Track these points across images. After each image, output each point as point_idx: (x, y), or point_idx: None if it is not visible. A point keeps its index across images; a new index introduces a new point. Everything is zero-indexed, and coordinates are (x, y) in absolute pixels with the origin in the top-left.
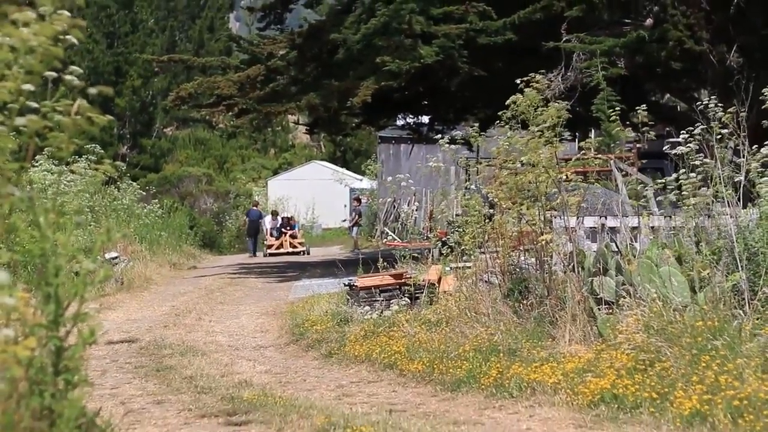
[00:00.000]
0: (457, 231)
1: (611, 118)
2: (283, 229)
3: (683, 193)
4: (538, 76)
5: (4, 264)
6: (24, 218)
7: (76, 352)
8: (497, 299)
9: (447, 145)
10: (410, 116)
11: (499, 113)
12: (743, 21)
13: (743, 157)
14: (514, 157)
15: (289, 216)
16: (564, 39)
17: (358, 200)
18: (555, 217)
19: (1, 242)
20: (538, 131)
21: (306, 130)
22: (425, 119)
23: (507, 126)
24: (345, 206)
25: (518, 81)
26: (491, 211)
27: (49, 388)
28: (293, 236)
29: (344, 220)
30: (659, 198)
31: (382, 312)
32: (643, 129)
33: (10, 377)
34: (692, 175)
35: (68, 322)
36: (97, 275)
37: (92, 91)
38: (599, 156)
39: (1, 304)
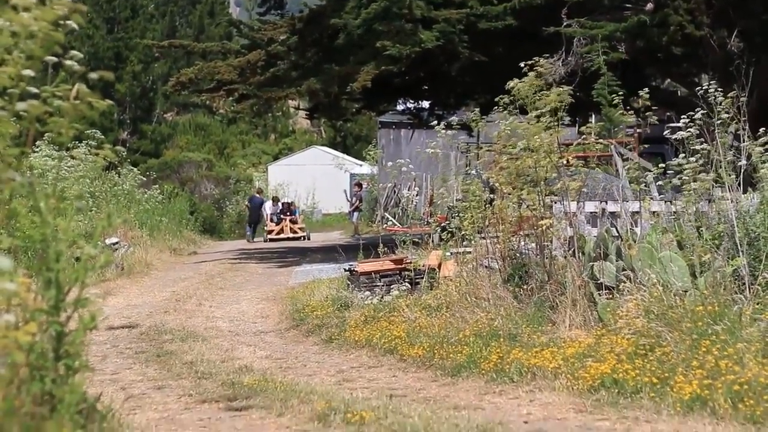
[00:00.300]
0: (457, 216)
1: (613, 102)
2: (282, 215)
3: (684, 177)
4: (542, 60)
5: (5, 249)
6: (24, 203)
7: (76, 337)
8: (497, 284)
9: (443, 131)
10: (410, 101)
11: (496, 99)
12: (744, 5)
13: (743, 141)
14: (513, 142)
15: (289, 201)
16: (564, 24)
17: (359, 185)
18: (555, 202)
19: (1, 228)
20: (537, 115)
21: (306, 115)
22: (425, 104)
23: (506, 111)
24: (345, 191)
25: (522, 64)
26: (491, 196)
27: (50, 374)
28: (293, 221)
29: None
30: (659, 183)
31: (382, 297)
32: (646, 113)
33: (11, 362)
34: (692, 159)
35: (69, 307)
36: (97, 260)
37: (93, 75)
38: (600, 141)
39: (2, 290)
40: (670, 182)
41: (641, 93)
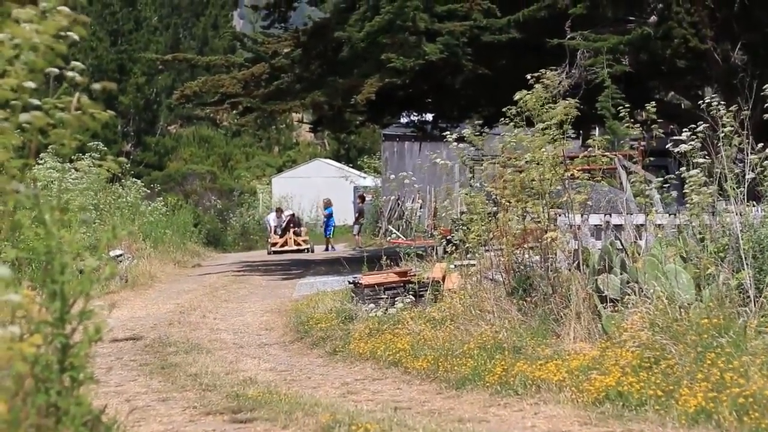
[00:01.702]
0: (461, 229)
1: (619, 115)
2: (287, 227)
3: (686, 190)
4: (549, 73)
5: (9, 261)
6: (28, 215)
7: (81, 349)
8: (501, 297)
9: (455, 144)
10: (414, 114)
11: (503, 110)
12: (748, 18)
13: (747, 154)
14: (518, 155)
15: (292, 212)
16: (568, 36)
17: (362, 198)
18: (560, 215)
19: (5, 239)
20: (544, 128)
21: (310, 128)
22: (429, 117)
23: (512, 123)
24: (352, 203)
25: (529, 76)
26: (495, 208)
27: (55, 386)
28: (297, 233)
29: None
30: (659, 196)
31: (386, 310)
32: (652, 126)
33: (16, 374)
34: (695, 172)
35: (74, 319)
36: (102, 272)
37: (96, 86)
38: (606, 154)
39: (7, 301)
40: (673, 195)
41: (647, 106)
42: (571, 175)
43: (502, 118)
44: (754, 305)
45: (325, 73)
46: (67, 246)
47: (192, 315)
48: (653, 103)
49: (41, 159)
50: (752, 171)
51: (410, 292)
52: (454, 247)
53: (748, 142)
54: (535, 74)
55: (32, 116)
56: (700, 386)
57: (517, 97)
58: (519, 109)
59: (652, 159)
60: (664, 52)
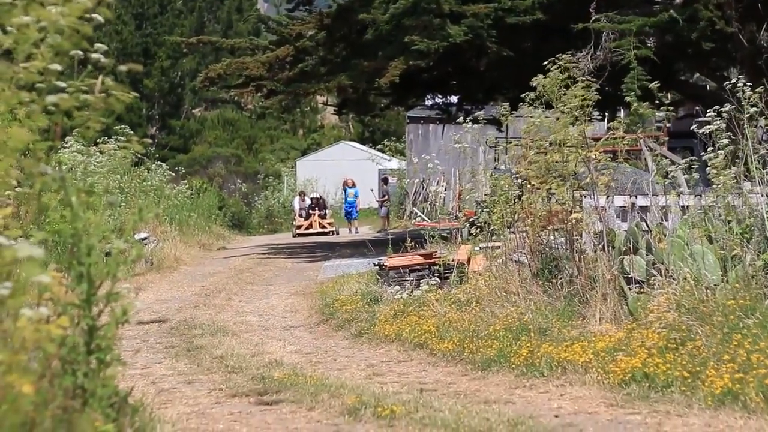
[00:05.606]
0: (486, 211)
1: (638, 94)
2: (311, 210)
3: (711, 171)
4: (565, 56)
5: (36, 243)
6: (54, 198)
7: (108, 331)
8: (527, 278)
9: (470, 125)
10: (439, 96)
11: (522, 95)
12: None
13: None
14: (542, 137)
15: (318, 196)
16: (593, 18)
17: (385, 180)
18: (585, 196)
19: (32, 222)
20: (567, 110)
21: (334, 110)
22: (454, 99)
23: (531, 107)
24: (372, 190)
25: (545, 63)
26: (520, 190)
27: (82, 367)
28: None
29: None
30: (685, 176)
31: (411, 291)
32: (660, 107)
33: (43, 356)
34: (720, 153)
35: (101, 301)
36: (128, 255)
37: (122, 68)
38: (631, 135)
39: (37, 283)
40: (699, 176)
41: (650, 86)
42: (595, 156)
43: (521, 103)
44: None
45: (349, 55)
46: (94, 228)
47: (217, 297)
48: (657, 83)
49: (66, 142)
50: None
51: (435, 274)
52: (478, 229)
53: None
54: (554, 58)
55: (59, 99)
56: (727, 367)
57: (534, 81)
58: (538, 94)
59: (666, 139)
60: (690, 34)
